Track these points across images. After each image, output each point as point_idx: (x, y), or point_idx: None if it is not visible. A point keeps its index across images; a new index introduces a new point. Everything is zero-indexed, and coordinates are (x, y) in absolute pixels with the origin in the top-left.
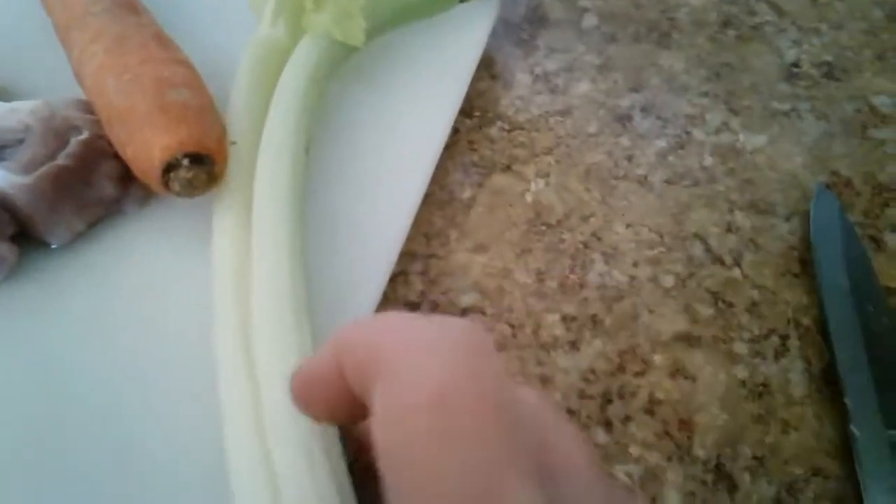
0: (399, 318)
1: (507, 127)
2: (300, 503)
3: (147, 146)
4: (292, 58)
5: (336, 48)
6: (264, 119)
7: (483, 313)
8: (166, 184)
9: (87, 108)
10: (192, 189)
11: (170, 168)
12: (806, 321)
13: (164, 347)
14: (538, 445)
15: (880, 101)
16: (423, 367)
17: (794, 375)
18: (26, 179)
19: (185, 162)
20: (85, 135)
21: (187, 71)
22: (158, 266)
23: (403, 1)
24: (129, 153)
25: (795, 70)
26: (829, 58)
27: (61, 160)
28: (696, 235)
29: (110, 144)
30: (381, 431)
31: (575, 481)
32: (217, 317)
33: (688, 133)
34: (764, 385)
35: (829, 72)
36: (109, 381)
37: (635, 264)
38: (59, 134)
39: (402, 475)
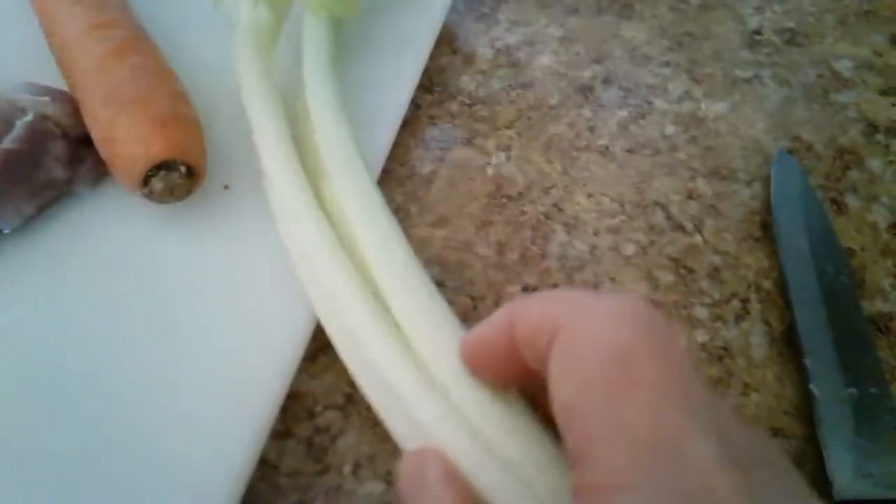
0: (573, 292)
1: (468, 101)
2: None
3: (135, 145)
4: (307, 41)
5: (334, 23)
6: (277, 98)
7: (443, 286)
8: (144, 184)
9: (38, 90)
10: (170, 195)
11: (151, 173)
12: (767, 284)
13: (122, 328)
14: (716, 412)
15: (842, 66)
16: (603, 328)
17: (754, 338)
18: None
19: (176, 169)
20: (30, 116)
21: (175, 80)
22: (113, 246)
23: None
24: (107, 141)
25: (757, 37)
26: (791, 24)
27: (7, 143)
28: (658, 203)
29: (57, 125)
30: (563, 387)
31: (755, 450)
32: (341, 293)
33: (649, 103)
34: (724, 349)
35: (792, 38)
36: (67, 366)
37: (596, 233)
38: (4, 118)
39: (585, 425)
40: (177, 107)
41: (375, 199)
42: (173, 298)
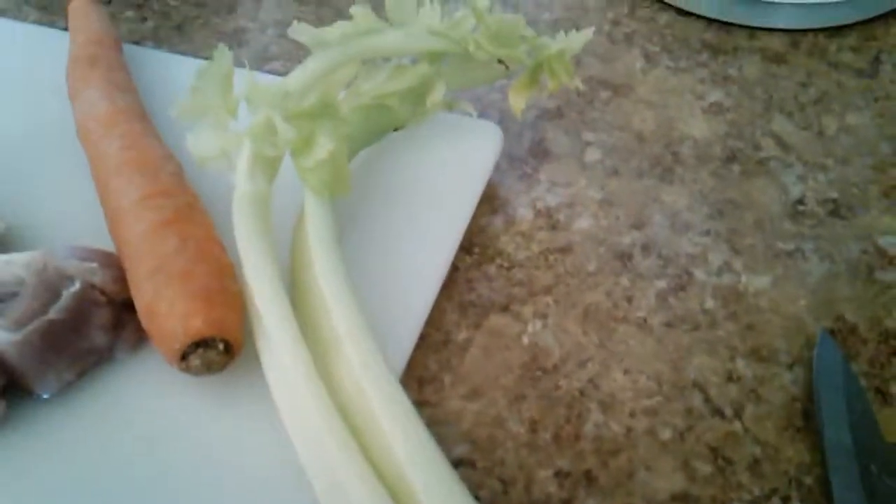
0: None
1: (506, 265)
2: None
3: (175, 321)
4: (310, 223)
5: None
6: (276, 266)
7: (473, 467)
8: (182, 359)
9: (86, 255)
10: (206, 371)
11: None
12: (808, 481)
13: (162, 496)
14: None
15: (887, 242)
16: None
17: None
18: (17, 336)
19: (214, 346)
20: (77, 286)
21: (223, 252)
22: (151, 412)
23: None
24: (149, 314)
25: (800, 207)
26: (834, 194)
27: (53, 314)
28: (696, 384)
29: (103, 293)
30: None
31: None
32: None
33: (689, 273)
34: None
35: (835, 209)
36: None
37: (632, 415)
38: (51, 286)
39: None
40: (220, 281)
41: (400, 397)
42: (210, 469)
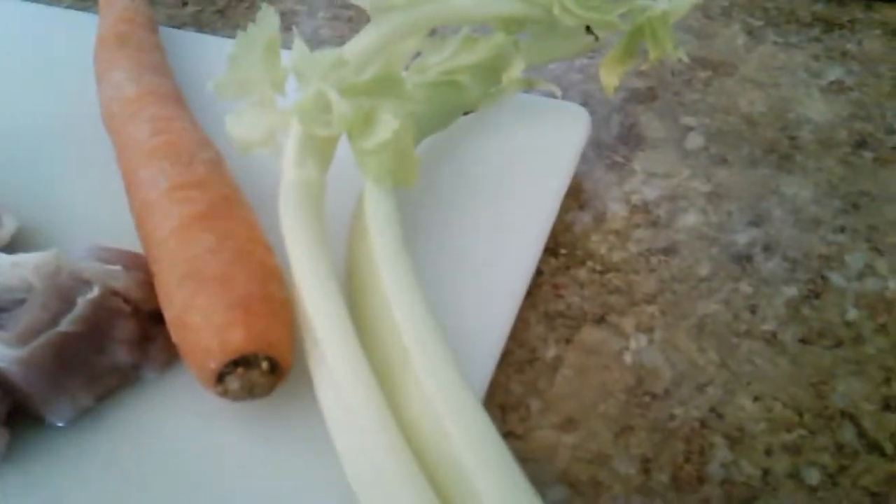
0: None
1: (599, 268)
2: None
3: (210, 336)
4: (371, 217)
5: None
6: (331, 268)
7: None
8: (218, 381)
9: (107, 256)
10: (248, 395)
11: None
12: None
13: None
14: None
15: None
16: None
17: None
18: (21, 352)
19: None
20: (95, 293)
21: (268, 251)
22: (183, 444)
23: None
24: (179, 326)
25: None
26: None
27: (65, 326)
28: (846, 414)
29: (126, 301)
30: None
31: None
32: None
33: (823, 278)
34: None
35: None
36: None
37: (768, 452)
38: (63, 293)
39: None
40: (264, 286)
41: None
42: None
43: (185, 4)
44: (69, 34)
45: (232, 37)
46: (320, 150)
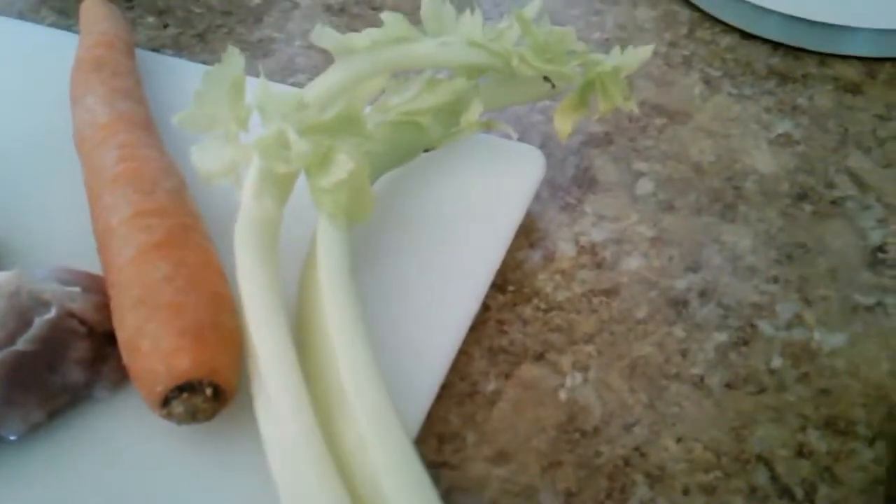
0: None
1: (543, 306)
2: None
3: (157, 361)
4: (322, 253)
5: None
6: (279, 301)
7: None
8: (163, 404)
9: (68, 277)
10: (191, 419)
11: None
12: None
13: None
14: None
15: None
16: None
17: None
18: None
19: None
20: (52, 313)
21: (222, 280)
22: (132, 461)
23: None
24: (130, 349)
25: (881, 255)
26: None
27: (21, 345)
28: (761, 458)
29: (83, 322)
30: None
31: None
32: None
33: (753, 326)
34: None
35: None
36: None
37: (686, 492)
38: (21, 313)
39: None
40: (215, 314)
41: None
42: None
43: (165, 26)
44: (49, 53)
45: (209, 62)
46: (279, 185)
